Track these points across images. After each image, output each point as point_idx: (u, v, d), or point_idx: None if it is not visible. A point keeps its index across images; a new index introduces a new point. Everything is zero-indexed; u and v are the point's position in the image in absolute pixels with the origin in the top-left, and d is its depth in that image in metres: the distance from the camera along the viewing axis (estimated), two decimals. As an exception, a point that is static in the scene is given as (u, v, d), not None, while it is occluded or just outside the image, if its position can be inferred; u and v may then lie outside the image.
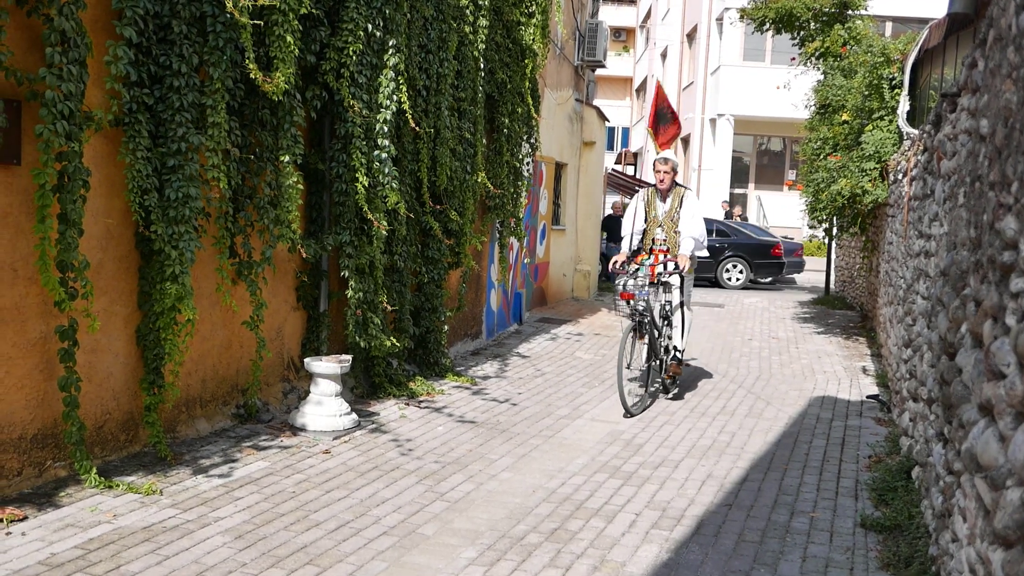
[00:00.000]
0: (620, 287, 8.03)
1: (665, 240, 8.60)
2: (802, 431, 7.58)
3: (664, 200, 8.66)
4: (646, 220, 8.66)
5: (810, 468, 6.45)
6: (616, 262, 8.29)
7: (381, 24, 7.23)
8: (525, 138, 10.99)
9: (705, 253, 9.01)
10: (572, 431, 7.29)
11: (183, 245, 5.56)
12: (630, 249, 8.59)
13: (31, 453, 5.10)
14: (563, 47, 14.55)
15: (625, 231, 8.70)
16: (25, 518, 4.68)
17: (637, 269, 8.17)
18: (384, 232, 7.44)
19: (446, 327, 9.19)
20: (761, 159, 33.76)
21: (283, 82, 6.08)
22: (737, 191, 32.48)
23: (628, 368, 7.94)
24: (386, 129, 7.32)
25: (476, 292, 10.96)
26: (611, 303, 17.03)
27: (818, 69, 14.36)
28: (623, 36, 49.13)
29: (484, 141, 9.60)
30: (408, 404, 7.81)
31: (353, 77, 7.05)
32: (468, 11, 8.82)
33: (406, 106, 7.44)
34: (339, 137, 7.25)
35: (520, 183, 10.94)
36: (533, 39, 10.34)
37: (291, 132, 6.48)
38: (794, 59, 14.96)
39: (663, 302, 8.52)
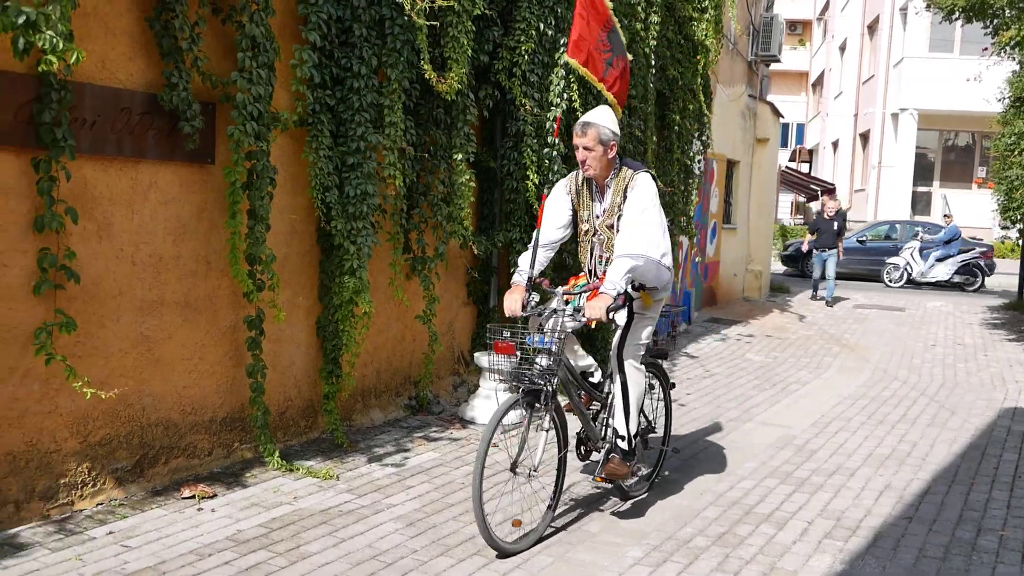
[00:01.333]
0: (493, 336, 4.63)
1: (608, 261, 4.98)
2: (991, 443, 7.14)
3: (603, 193, 4.99)
4: (575, 225, 5.10)
5: (999, 483, 6.07)
6: (513, 297, 4.77)
7: (552, 23, 7.27)
8: (696, 135, 10.81)
9: (667, 278, 4.94)
10: (742, 434, 7.12)
11: (361, 240, 5.76)
12: (531, 273, 4.87)
13: (220, 435, 5.41)
14: (736, 42, 14.24)
15: (535, 240, 5.05)
16: (215, 495, 4.97)
17: (549, 309, 4.75)
18: (553, 229, 7.45)
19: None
20: (947, 155, 31.99)
21: (456, 82, 6.21)
22: (920, 189, 30.92)
23: (514, 472, 4.57)
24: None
25: (644, 291, 10.84)
26: (783, 303, 16.64)
27: (1013, 59, 13.49)
28: (799, 29, 47.63)
29: (655, 139, 9.49)
30: (575, 401, 7.80)
31: (525, 76, 7.12)
32: (640, 7, 8.75)
33: (577, 104, 7.46)
34: (510, 135, 7.34)
35: (691, 181, 10.77)
36: (706, 34, 10.15)
37: (464, 131, 6.61)
38: (986, 49, 14.12)
39: (586, 360, 5.35)
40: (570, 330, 4.75)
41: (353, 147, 5.75)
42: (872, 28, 33.83)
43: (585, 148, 4.81)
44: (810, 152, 41.98)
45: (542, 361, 4.57)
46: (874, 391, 9.11)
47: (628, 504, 5.30)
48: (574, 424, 5.33)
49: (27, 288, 4.31)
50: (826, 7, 42.56)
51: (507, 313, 4.74)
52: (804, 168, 38.63)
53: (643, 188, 4.81)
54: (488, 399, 6.84)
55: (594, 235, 5.03)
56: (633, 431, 4.97)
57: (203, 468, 5.30)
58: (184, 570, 4.06)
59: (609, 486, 5.38)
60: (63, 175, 4.32)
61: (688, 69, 10.18)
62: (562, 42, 7.36)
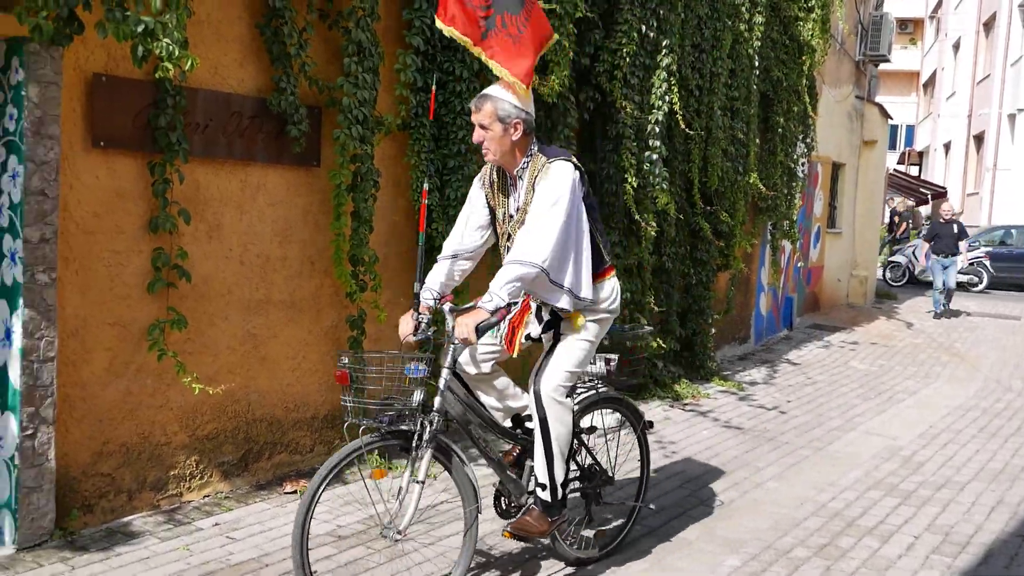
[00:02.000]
0: (344, 362, 3.64)
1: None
2: (1112, 460, 6.81)
3: (515, 185, 3.97)
4: (492, 223, 4.10)
5: (1122, 501, 5.79)
6: (404, 319, 3.94)
7: (655, 25, 7.22)
8: (800, 137, 10.60)
9: (585, 296, 3.85)
10: (845, 443, 6.94)
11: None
12: (432, 289, 4.03)
13: (322, 432, 5.53)
14: (844, 41, 13.90)
15: (446, 247, 4.17)
16: (315, 492, 5.08)
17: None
18: (653, 233, 7.43)
19: (713, 330, 9.04)
20: (1068, 158, 30.59)
21: (558, 84, 6.21)
22: (1039, 193, 29.63)
23: (386, 532, 3.77)
24: (657, 130, 7.31)
25: (745, 295, 10.69)
26: (890, 310, 16.15)
27: None
28: (909, 28, 46.21)
29: (757, 141, 9.35)
30: (672, 406, 7.75)
31: (626, 78, 7.09)
32: (744, 8, 8.63)
33: (677, 107, 7.39)
34: (610, 138, 7.31)
35: (794, 184, 10.57)
36: (812, 34, 9.95)
37: (564, 133, 6.62)
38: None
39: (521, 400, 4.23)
40: (456, 355, 3.83)
41: (454, 150, 5.81)
42: (988, 26, 32.61)
43: (481, 127, 3.82)
44: (920, 155, 40.68)
45: (415, 396, 3.65)
46: (986, 402, 8.77)
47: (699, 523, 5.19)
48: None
49: (142, 286, 4.49)
50: (939, 5, 41.20)
51: (401, 337, 3.91)
52: (913, 171, 37.46)
53: (554, 180, 3.74)
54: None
55: (508, 239, 3.97)
56: (559, 478, 3.97)
57: (304, 464, 5.43)
58: (285, 563, 4.16)
59: (523, 543, 4.39)
60: (176, 177, 4.48)
61: (793, 70, 10.00)
62: (664, 43, 7.30)
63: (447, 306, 3.92)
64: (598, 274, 3.97)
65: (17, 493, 4.06)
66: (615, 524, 4.71)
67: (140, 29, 3.83)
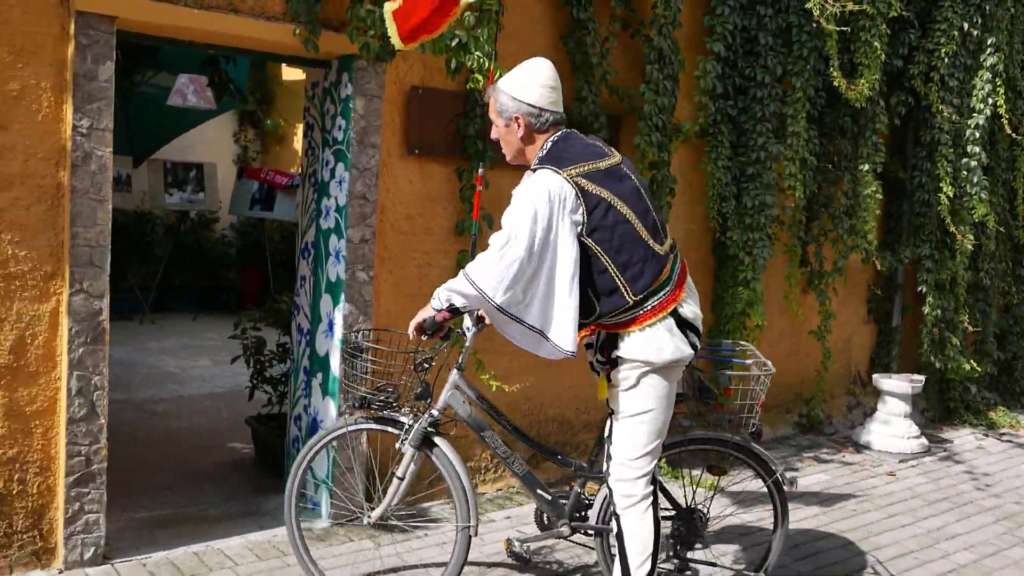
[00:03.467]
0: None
1: None
2: None
3: None
4: None
5: None
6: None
7: (979, 21, 6.68)
8: None
9: (566, 349, 3.18)
10: None
11: (756, 252, 5.69)
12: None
13: (610, 436, 5.59)
14: None
15: None
16: (602, 494, 5.15)
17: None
18: (969, 246, 6.89)
19: (1036, 354, 8.23)
20: None
21: (867, 88, 5.91)
22: None
23: (362, 514, 3.80)
24: (977, 135, 6.76)
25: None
26: None
27: None
28: None
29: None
30: (987, 435, 7.13)
31: (943, 80, 6.62)
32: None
33: (1002, 109, 6.79)
34: (923, 144, 6.87)
35: None
36: None
37: (872, 140, 6.30)
38: None
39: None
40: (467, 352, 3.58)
41: (753, 157, 5.70)
42: None
43: (493, 122, 3.33)
44: None
45: (418, 388, 3.53)
46: None
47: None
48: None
49: (447, 286, 4.76)
50: None
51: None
52: None
53: (522, 191, 3.14)
54: (886, 424, 6.44)
55: None
56: None
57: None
58: (571, 561, 4.24)
59: None
60: (482, 183, 4.71)
61: None
62: (989, 41, 6.74)
63: None
64: (623, 323, 3.15)
65: (333, 471, 4.44)
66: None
67: (454, 43, 4.07)
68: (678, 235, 5.68)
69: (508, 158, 3.33)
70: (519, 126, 3.20)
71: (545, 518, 3.69)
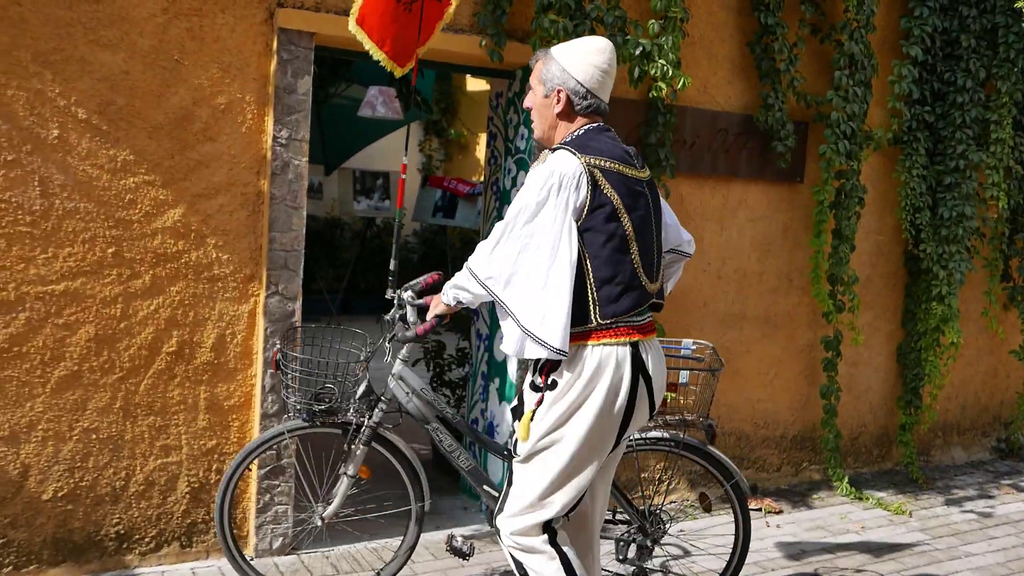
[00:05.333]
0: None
1: None
2: None
3: None
4: None
5: None
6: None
7: None
8: None
9: (551, 343, 2.66)
10: None
11: (952, 266, 5.40)
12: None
13: (790, 452, 5.43)
14: None
15: None
16: (780, 511, 5.01)
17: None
18: None
19: None
20: None
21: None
22: None
23: (315, 513, 3.68)
24: None
25: None
26: None
27: None
28: None
29: None
30: None
31: None
32: None
33: None
34: None
35: None
36: None
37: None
38: None
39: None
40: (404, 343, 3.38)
41: (951, 165, 5.40)
42: None
43: (529, 87, 3.05)
44: None
45: (361, 386, 3.47)
46: None
47: None
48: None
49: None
50: None
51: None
52: None
53: (533, 175, 2.82)
54: (1096, 453, 5.97)
55: None
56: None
57: (770, 483, 5.36)
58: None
59: None
60: (663, 192, 4.67)
61: None
62: None
63: (407, 293, 3.41)
64: (582, 333, 2.76)
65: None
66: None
67: (638, 52, 4.06)
68: (866, 247, 5.46)
69: (536, 134, 3.05)
70: (559, 100, 2.92)
71: (493, 513, 3.28)
